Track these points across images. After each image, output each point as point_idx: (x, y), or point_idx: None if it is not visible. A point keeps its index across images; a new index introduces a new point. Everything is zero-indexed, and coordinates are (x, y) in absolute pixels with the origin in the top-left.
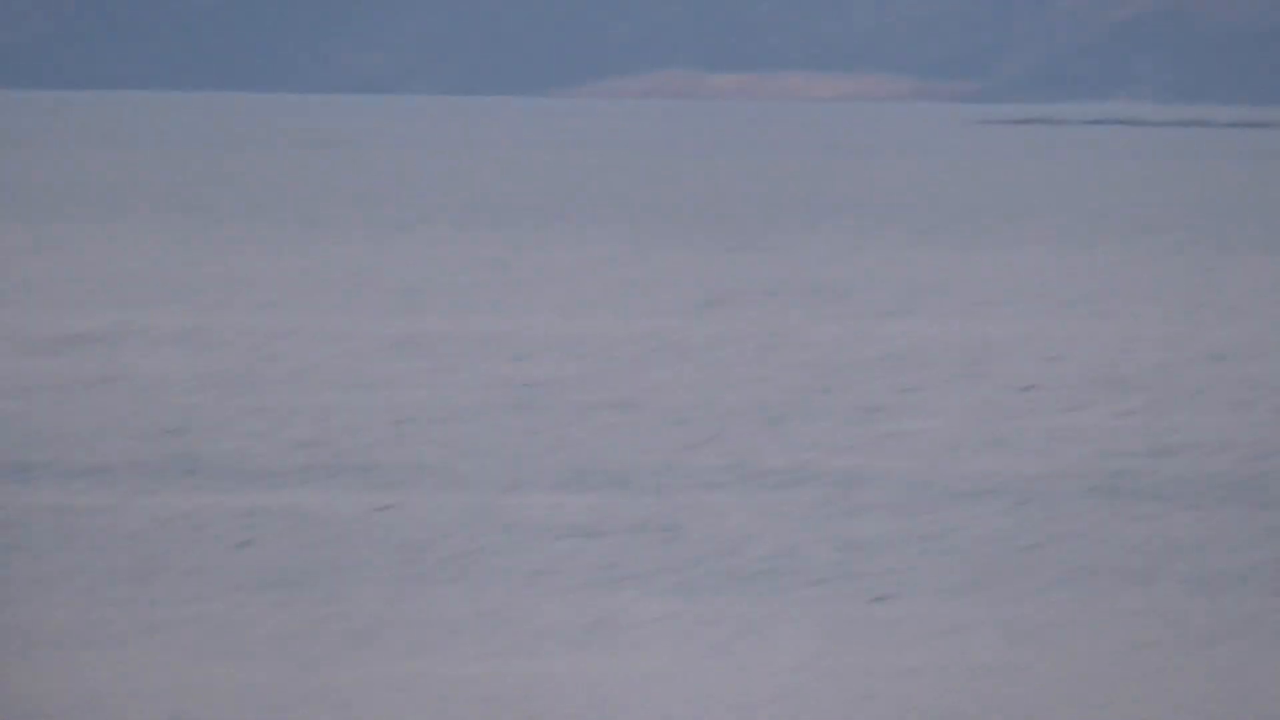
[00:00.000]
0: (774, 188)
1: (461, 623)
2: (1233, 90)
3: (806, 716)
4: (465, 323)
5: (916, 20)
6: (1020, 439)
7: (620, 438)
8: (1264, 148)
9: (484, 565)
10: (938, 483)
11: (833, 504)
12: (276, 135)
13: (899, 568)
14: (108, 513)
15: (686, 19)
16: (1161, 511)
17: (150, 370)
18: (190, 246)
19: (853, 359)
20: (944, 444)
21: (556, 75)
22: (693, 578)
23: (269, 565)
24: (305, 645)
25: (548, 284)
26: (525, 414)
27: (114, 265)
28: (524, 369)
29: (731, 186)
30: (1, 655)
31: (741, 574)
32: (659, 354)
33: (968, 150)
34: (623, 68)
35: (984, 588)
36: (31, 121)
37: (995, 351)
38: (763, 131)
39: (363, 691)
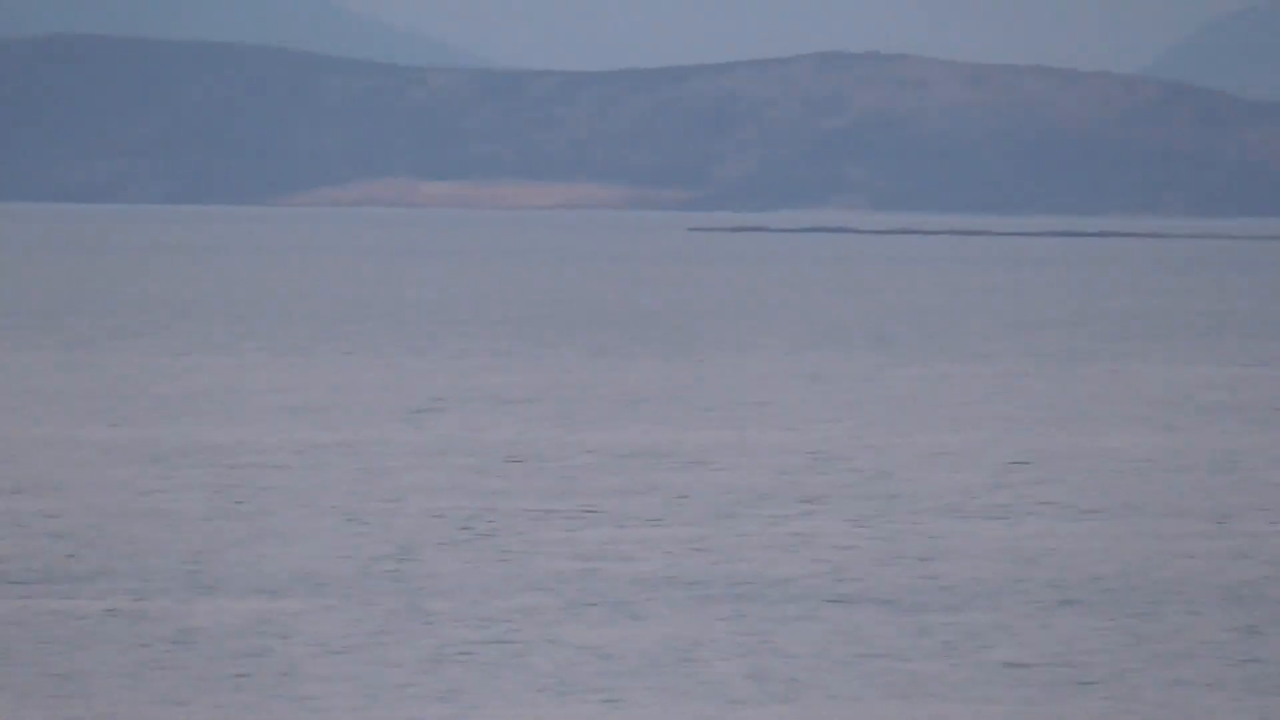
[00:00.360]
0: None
1: None
2: (945, 197)
3: None
4: None
5: (630, 129)
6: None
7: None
8: (968, 254)
9: None
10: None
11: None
12: None
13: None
14: None
15: (401, 128)
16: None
17: None
18: None
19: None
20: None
21: (276, 184)
22: None
23: None
24: None
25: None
26: None
27: None
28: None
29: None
30: None
31: None
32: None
33: (679, 256)
34: (339, 177)
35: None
36: None
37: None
38: (476, 238)
39: None
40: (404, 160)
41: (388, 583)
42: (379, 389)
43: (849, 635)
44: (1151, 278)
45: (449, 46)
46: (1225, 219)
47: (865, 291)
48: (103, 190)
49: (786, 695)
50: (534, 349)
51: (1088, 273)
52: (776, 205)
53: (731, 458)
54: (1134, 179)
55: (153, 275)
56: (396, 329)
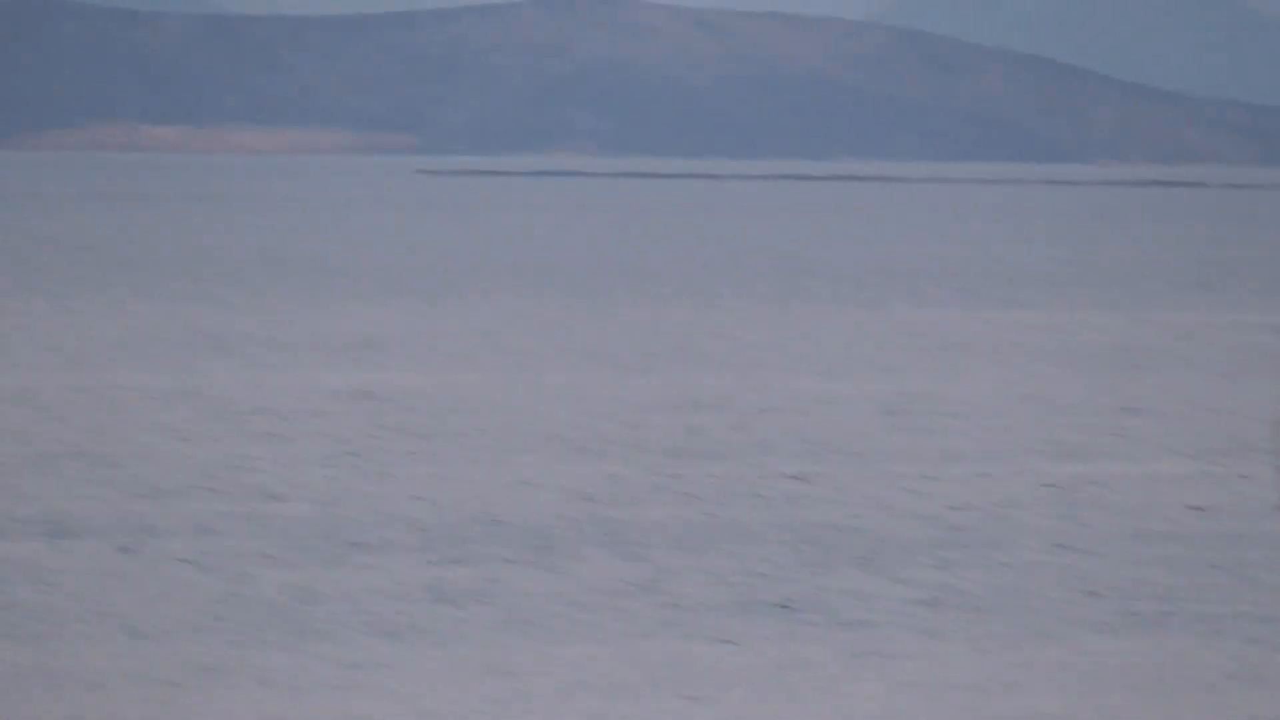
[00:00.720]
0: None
1: None
2: (674, 143)
3: None
4: None
5: (356, 75)
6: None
7: None
8: (696, 199)
9: None
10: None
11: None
12: None
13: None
14: None
15: (125, 73)
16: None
17: None
18: None
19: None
20: None
21: (2, 127)
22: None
23: None
24: None
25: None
26: None
27: None
28: None
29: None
30: None
31: None
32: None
33: (397, 202)
34: (65, 121)
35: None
36: None
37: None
38: (197, 183)
39: None
40: (129, 104)
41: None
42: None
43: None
44: (882, 223)
45: None
46: (954, 163)
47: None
48: None
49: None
50: (252, 297)
51: (809, 217)
52: (504, 151)
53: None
54: (864, 124)
55: None
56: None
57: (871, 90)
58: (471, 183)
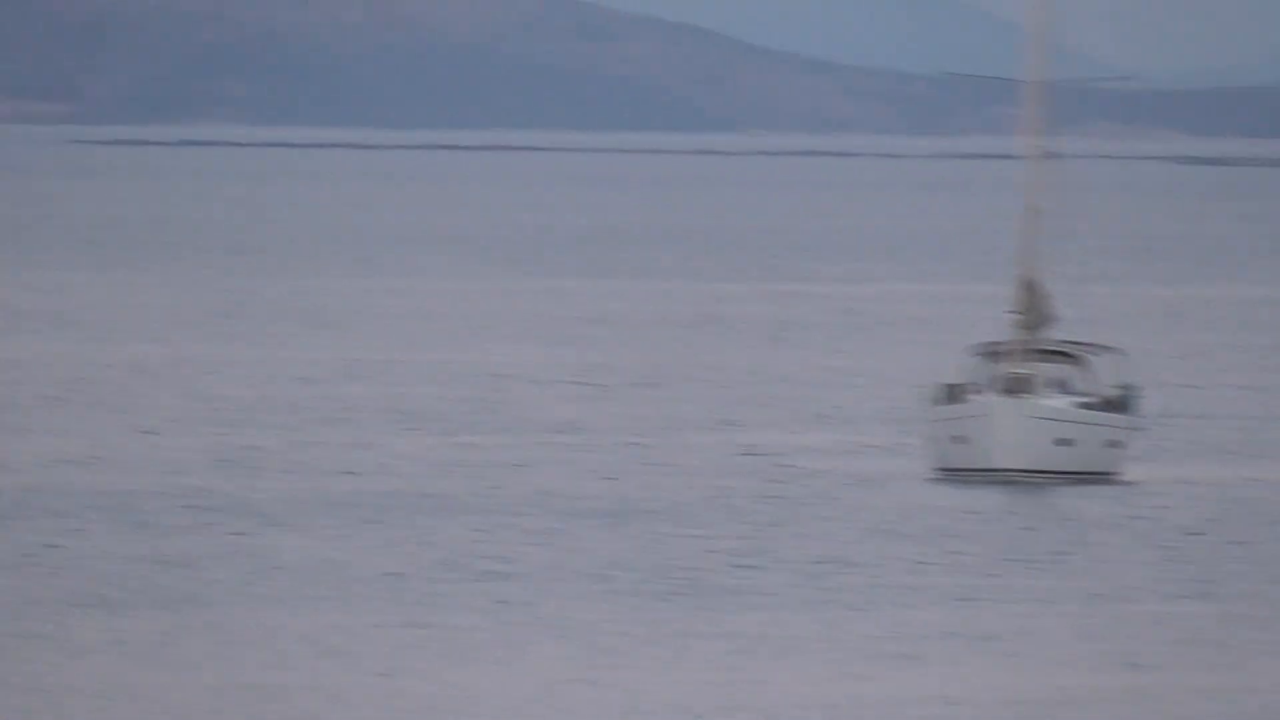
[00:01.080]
0: None
1: None
2: (326, 112)
3: None
4: None
5: (2, 41)
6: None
7: None
8: (339, 170)
9: None
10: None
11: None
12: None
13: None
14: None
15: None
16: None
17: None
18: None
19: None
20: None
21: None
22: None
23: None
24: None
25: None
26: None
27: None
28: None
29: None
30: None
31: None
32: None
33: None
34: None
35: None
36: None
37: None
38: None
39: None
40: None
41: None
42: None
43: None
44: (561, 192)
45: None
46: (604, 132)
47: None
48: None
49: None
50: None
51: (477, 187)
52: (159, 120)
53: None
54: (516, 93)
55: None
56: None
57: (524, 59)
58: (121, 153)
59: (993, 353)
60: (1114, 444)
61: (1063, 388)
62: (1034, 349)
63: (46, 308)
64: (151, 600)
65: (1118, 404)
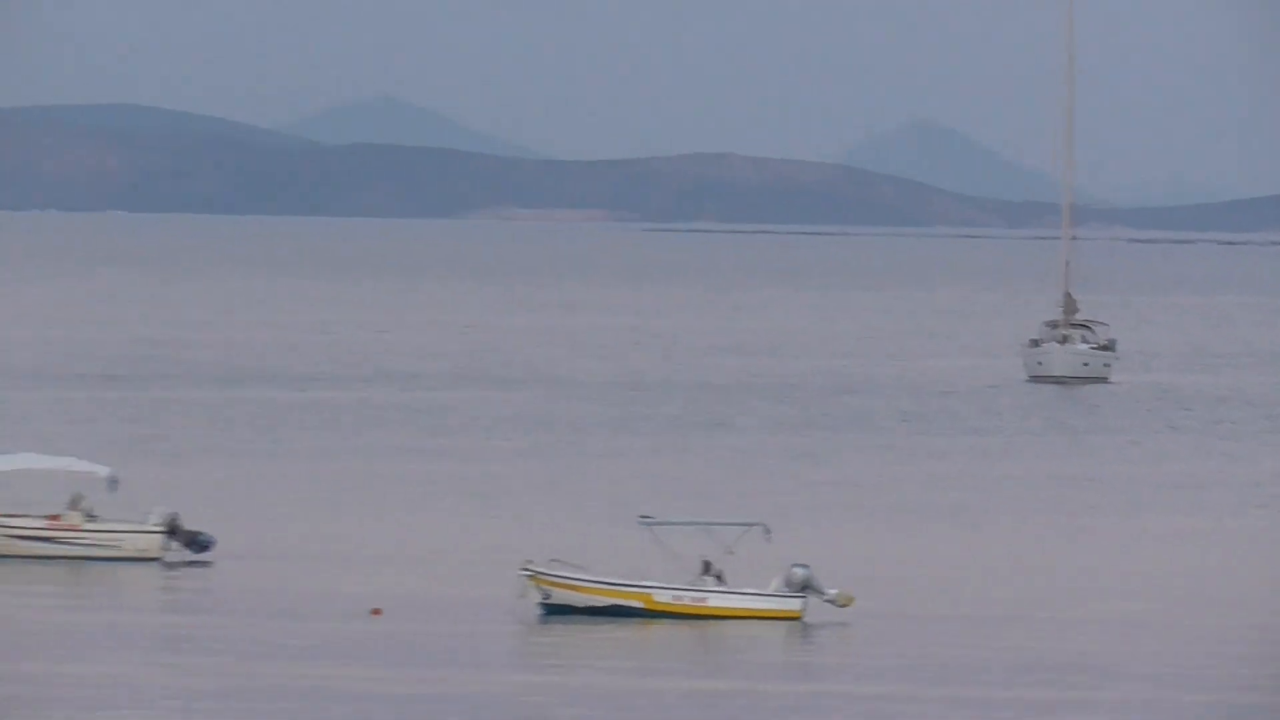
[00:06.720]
0: None
1: None
2: None
3: None
4: None
5: None
6: None
7: None
8: None
9: None
10: None
11: None
12: None
13: None
14: None
15: None
16: None
17: None
18: None
19: None
20: None
21: None
22: None
23: None
24: None
25: None
26: None
27: None
28: None
29: None
30: None
31: None
32: None
33: None
34: None
35: None
36: None
37: None
38: None
39: None
40: None
41: None
42: None
43: None
44: None
45: None
46: None
47: None
48: None
49: None
50: None
51: None
52: None
53: None
54: None
55: None
56: None
57: None
58: None
59: (1052, 323)
60: (1106, 365)
61: (1083, 340)
62: (1069, 322)
63: None
64: None
65: (1107, 346)
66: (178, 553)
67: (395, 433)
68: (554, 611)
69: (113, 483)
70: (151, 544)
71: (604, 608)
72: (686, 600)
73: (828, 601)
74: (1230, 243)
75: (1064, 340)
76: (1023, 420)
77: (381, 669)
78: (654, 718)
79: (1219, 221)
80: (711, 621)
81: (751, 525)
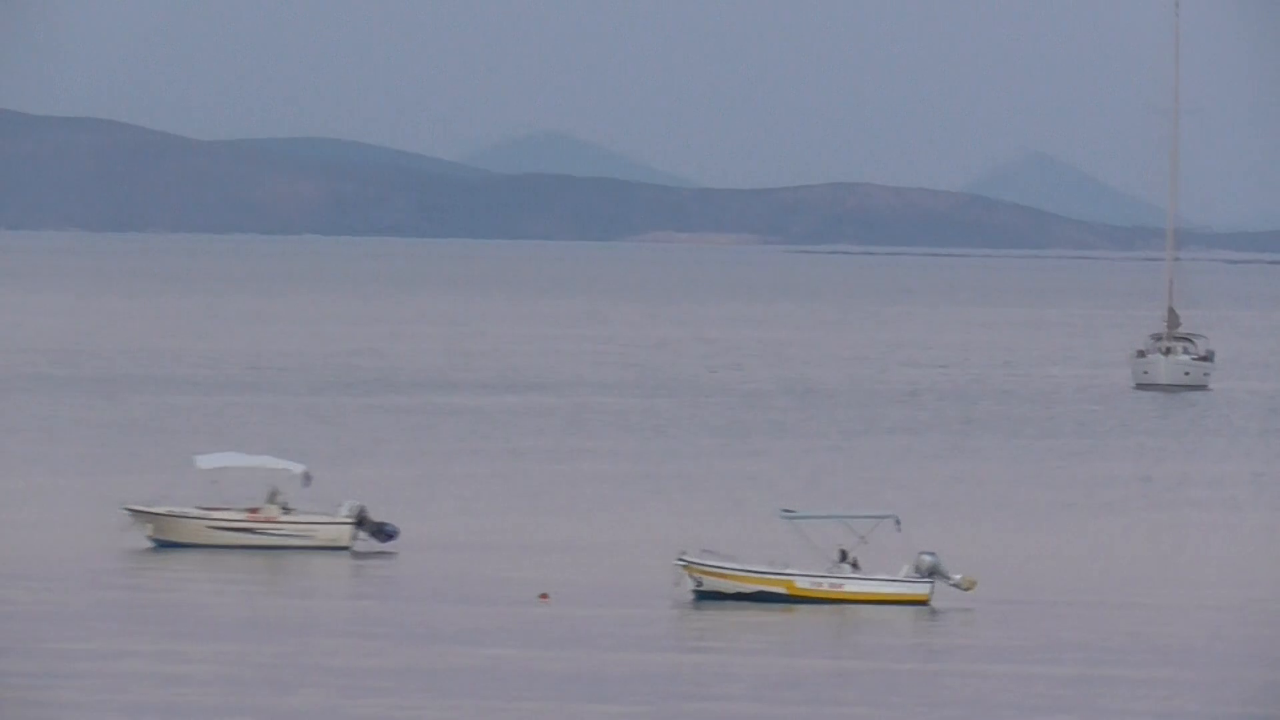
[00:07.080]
0: None
1: None
2: None
3: None
4: None
5: None
6: None
7: None
8: None
9: None
10: None
11: None
12: None
13: None
14: None
15: None
16: None
17: None
18: None
19: None
20: None
21: None
22: None
23: None
24: None
25: None
26: None
27: None
28: None
29: None
30: None
31: None
32: None
33: None
34: None
35: None
36: None
37: None
38: None
39: None
40: None
41: None
42: None
43: None
44: None
45: None
46: None
47: None
48: None
49: None
50: None
51: None
52: None
53: None
54: None
55: None
56: None
57: None
58: None
59: (1156, 336)
60: (1206, 374)
61: (1185, 351)
62: (1172, 335)
63: None
64: None
65: (1207, 357)
66: (365, 542)
67: (564, 436)
68: (705, 597)
69: (307, 478)
70: (342, 534)
71: (750, 593)
72: (825, 586)
73: (953, 586)
74: None
75: (1167, 352)
76: (1130, 424)
77: (548, 650)
78: (795, 695)
79: None
80: (847, 605)
81: (884, 517)
